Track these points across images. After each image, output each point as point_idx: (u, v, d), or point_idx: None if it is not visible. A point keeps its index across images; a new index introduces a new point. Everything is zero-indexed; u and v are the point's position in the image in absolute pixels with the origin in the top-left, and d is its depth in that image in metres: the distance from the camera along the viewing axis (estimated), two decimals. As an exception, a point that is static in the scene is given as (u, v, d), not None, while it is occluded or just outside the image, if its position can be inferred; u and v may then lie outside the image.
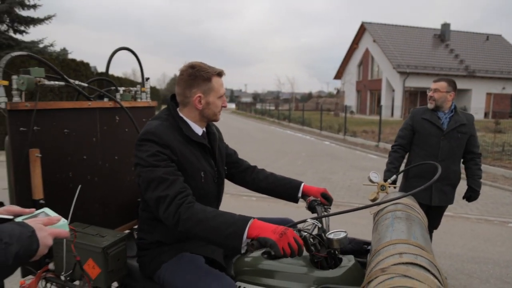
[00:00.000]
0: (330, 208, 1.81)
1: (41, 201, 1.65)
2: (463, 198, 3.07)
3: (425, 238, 1.38)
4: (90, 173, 1.97)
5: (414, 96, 29.29)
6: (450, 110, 2.93)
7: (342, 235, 1.44)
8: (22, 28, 14.73)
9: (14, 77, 1.61)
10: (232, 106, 54.88)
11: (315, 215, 1.69)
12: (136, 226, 2.29)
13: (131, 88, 2.29)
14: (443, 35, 31.81)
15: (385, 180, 2.58)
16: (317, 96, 58.09)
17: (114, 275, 1.63)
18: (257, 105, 32.86)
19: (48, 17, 14.96)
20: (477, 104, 27.37)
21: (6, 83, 1.59)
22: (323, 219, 1.64)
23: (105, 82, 2.20)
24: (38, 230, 0.91)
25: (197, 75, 1.57)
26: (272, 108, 26.04)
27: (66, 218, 1.07)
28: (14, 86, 1.61)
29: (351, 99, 35.72)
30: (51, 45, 15.17)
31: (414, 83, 27.28)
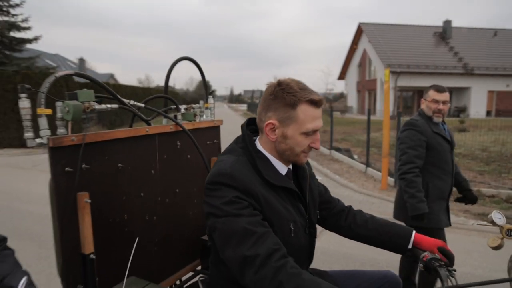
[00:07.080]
0: (455, 271, 1.30)
1: (92, 256, 1.33)
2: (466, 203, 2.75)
3: None
4: (149, 212, 1.63)
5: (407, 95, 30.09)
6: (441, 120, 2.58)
7: None
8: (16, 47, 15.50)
9: (59, 103, 1.30)
10: (244, 107, 54.14)
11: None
12: (199, 267, 1.94)
13: (193, 105, 1.93)
14: (444, 32, 30.39)
15: (422, 217, 2.34)
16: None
17: None
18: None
19: (36, 38, 15.93)
20: (477, 103, 26.55)
21: (49, 111, 1.28)
22: None
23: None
24: None
25: (279, 96, 1.18)
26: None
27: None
28: (59, 114, 1.30)
29: (352, 100, 36.50)
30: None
31: (406, 82, 26.49)
